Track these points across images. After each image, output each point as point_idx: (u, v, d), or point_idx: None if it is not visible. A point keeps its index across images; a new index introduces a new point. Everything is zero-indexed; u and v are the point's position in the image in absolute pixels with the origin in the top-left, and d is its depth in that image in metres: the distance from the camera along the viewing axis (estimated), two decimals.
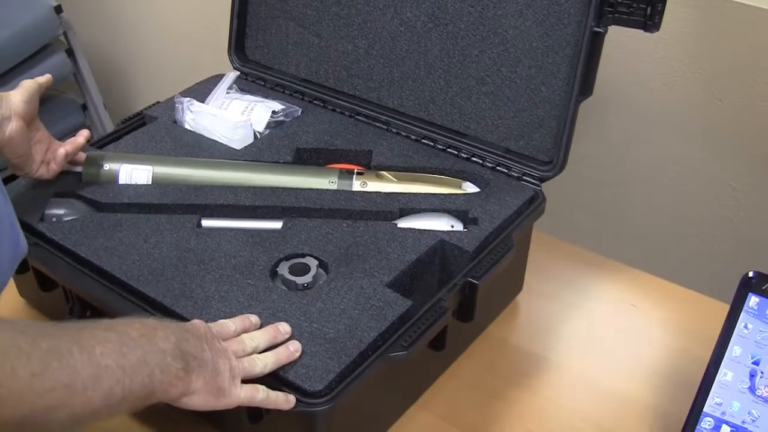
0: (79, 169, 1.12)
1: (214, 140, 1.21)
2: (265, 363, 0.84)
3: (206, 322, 0.85)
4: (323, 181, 1.11)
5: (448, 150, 1.18)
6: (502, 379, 1.07)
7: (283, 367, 0.85)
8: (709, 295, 1.15)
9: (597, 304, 1.20)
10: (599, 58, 1.06)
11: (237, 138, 1.20)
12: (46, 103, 2.26)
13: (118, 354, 0.71)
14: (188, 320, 0.88)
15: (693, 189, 1.53)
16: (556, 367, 1.10)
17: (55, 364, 0.66)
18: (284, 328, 0.89)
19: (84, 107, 2.41)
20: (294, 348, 0.87)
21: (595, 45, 1.05)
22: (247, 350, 0.85)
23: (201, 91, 1.31)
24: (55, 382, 0.66)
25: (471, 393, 1.05)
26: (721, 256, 1.54)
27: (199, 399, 0.79)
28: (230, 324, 0.87)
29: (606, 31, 1.04)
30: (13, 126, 1.00)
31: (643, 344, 1.13)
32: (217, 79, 1.34)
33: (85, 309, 1.00)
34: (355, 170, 1.13)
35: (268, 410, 0.87)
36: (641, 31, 1.03)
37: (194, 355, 0.78)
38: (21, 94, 1.02)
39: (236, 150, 1.19)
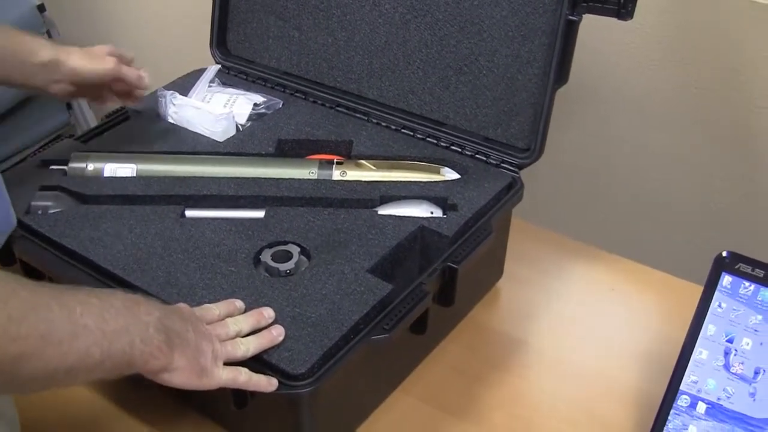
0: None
1: (197, 133, 1.22)
2: (248, 347, 0.86)
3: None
4: (303, 172, 1.12)
5: (428, 139, 1.20)
6: (485, 363, 1.09)
7: (267, 351, 0.86)
8: (688, 279, 1.16)
9: (576, 289, 1.22)
10: (574, 47, 1.07)
11: (219, 130, 1.21)
12: (30, 102, 2.28)
13: (99, 318, 0.72)
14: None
15: (671, 175, 1.55)
16: (537, 350, 1.11)
17: (32, 314, 0.67)
18: (268, 313, 0.90)
19: (69, 106, 2.41)
20: (277, 332, 0.88)
21: (569, 33, 1.06)
22: (231, 334, 0.86)
23: (183, 85, 1.32)
24: (31, 329, 0.66)
25: (454, 377, 1.07)
26: (699, 241, 1.56)
27: (181, 377, 0.80)
28: (214, 308, 0.89)
29: (580, 20, 1.05)
30: (61, 87, 1.10)
31: (623, 327, 1.15)
32: (199, 73, 1.35)
33: None
34: (335, 160, 1.15)
35: (253, 395, 0.88)
36: (620, 21, 1.04)
37: (177, 332, 0.79)
38: (82, 64, 1.10)
39: (219, 142, 1.20)
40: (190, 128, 1.23)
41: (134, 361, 0.75)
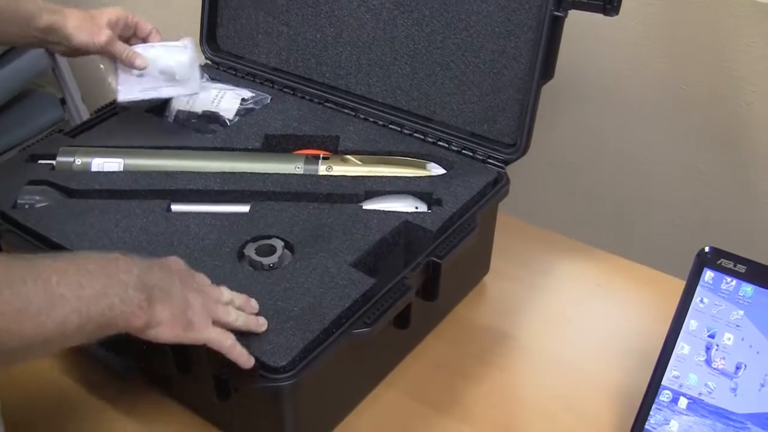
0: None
1: (184, 128, 1.23)
2: (238, 316, 0.86)
3: None
4: (289, 167, 1.13)
5: (415, 135, 1.20)
6: (470, 357, 1.09)
7: (248, 344, 0.86)
8: (675, 275, 1.17)
9: (562, 285, 1.22)
10: (560, 42, 1.08)
11: (185, 60, 1.22)
12: (24, 97, 2.28)
13: (76, 285, 0.72)
14: None
15: (658, 172, 1.55)
16: (523, 346, 1.12)
17: (7, 291, 0.67)
18: (254, 302, 0.91)
19: (62, 101, 2.41)
20: (262, 321, 0.88)
21: (555, 29, 1.06)
22: (223, 299, 0.87)
23: None
24: (5, 306, 0.67)
25: (438, 372, 1.07)
26: (685, 237, 1.56)
27: (166, 331, 0.80)
28: (209, 279, 0.90)
29: (566, 15, 1.06)
30: (61, 49, 1.16)
31: (608, 322, 1.16)
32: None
33: None
34: (321, 155, 1.15)
35: (236, 388, 0.89)
36: (608, 18, 1.04)
37: (159, 286, 0.79)
38: (76, 33, 1.13)
39: (207, 137, 1.21)
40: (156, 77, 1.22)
41: (115, 322, 0.76)
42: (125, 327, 0.77)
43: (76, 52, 1.16)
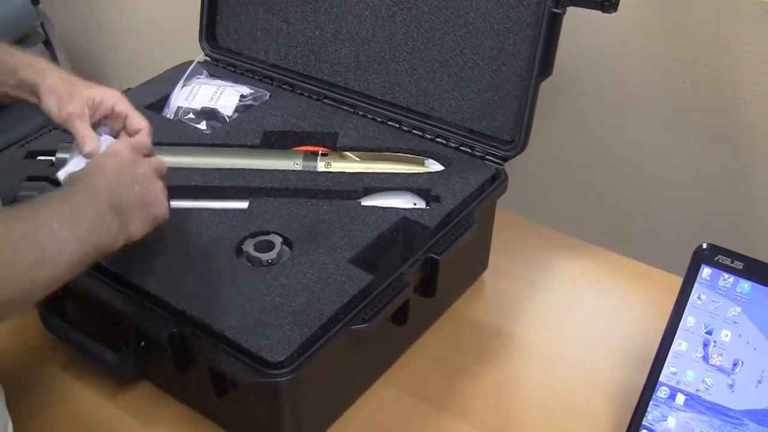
0: None
1: (183, 124, 1.23)
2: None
3: (174, 298, 0.91)
4: (288, 163, 1.13)
5: (413, 131, 1.20)
6: (468, 354, 1.09)
7: (246, 340, 0.86)
8: (673, 272, 1.17)
9: (561, 282, 1.22)
10: (558, 39, 1.08)
11: None
12: None
13: (72, 224, 0.78)
14: (158, 299, 0.92)
15: (657, 169, 1.55)
16: (521, 342, 1.12)
17: (24, 246, 0.73)
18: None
19: None
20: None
21: (553, 26, 1.07)
22: (154, 164, 0.94)
23: (170, 78, 1.33)
24: (26, 261, 0.73)
25: (436, 368, 1.07)
26: (684, 234, 1.56)
27: (138, 236, 0.88)
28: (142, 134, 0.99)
29: (564, 12, 1.06)
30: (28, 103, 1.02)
31: (606, 319, 1.16)
32: (187, 65, 1.35)
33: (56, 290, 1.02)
34: (320, 152, 1.15)
35: (234, 384, 0.89)
36: (607, 15, 1.05)
37: (125, 204, 0.86)
38: (47, 101, 0.98)
39: (205, 133, 1.21)
40: None
41: (103, 251, 0.83)
42: (111, 250, 0.84)
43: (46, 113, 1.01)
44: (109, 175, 0.87)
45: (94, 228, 0.81)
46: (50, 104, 0.98)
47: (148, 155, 0.97)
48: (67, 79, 1.00)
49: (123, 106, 1.01)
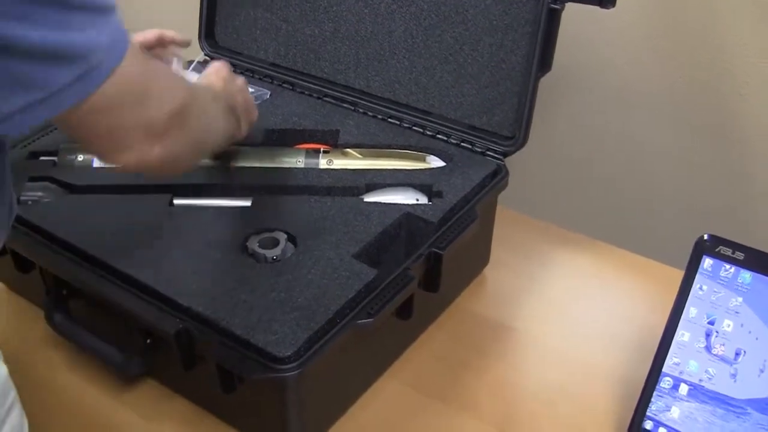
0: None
1: None
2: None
3: (180, 295, 0.91)
4: (290, 161, 1.14)
5: (414, 128, 1.21)
6: (471, 349, 1.10)
7: (253, 336, 0.87)
8: (673, 265, 1.18)
9: (562, 276, 1.23)
10: (557, 35, 1.08)
11: None
12: None
13: (217, 111, 0.96)
14: (164, 297, 0.92)
15: (656, 163, 1.56)
16: (523, 336, 1.12)
17: (204, 117, 0.89)
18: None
19: None
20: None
21: (552, 22, 1.07)
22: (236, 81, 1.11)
23: None
24: (205, 132, 0.90)
25: (440, 363, 1.08)
26: (684, 227, 1.56)
27: (245, 133, 1.08)
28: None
29: (563, 8, 1.06)
30: None
31: (608, 312, 1.16)
32: (187, 65, 1.35)
33: (61, 288, 1.03)
34: (322, 149, 1.16)
35: (241, 380, 0.89)
36: (606, 10, 1.05)
37: (234, 106, 1.03)
38: None
39: None
40: None
41: (228, 138, 1.02)
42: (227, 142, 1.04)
43: None
44: (219, 85, 1.03)
45: (225, 117, 0.98)
46: None
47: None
48: None
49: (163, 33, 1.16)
